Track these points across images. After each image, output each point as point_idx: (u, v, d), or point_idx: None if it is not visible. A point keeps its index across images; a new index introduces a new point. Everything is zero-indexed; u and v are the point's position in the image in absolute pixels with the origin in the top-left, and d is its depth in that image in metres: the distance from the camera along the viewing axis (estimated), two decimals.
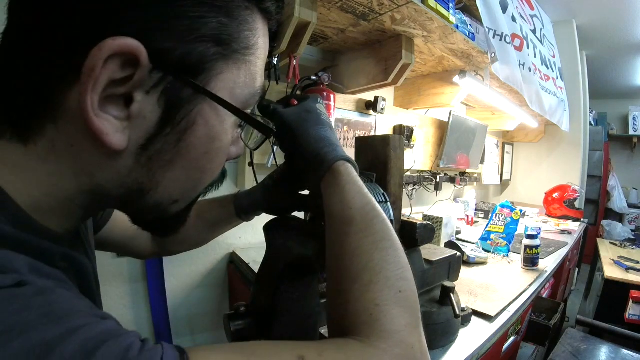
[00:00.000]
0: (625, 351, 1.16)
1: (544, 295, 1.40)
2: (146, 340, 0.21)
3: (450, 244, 1.13)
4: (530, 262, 1.20)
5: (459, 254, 0.80)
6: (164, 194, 0.28)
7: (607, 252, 2.12)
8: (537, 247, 1.20)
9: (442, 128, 1.98)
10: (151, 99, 0.24)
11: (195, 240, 0.64)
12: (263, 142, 0.37)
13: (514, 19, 1.71)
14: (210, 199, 0.65)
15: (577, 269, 2.50)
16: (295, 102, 0.46)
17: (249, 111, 0.30)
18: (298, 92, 1.18)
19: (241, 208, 0.60)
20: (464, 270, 1.05)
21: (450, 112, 1.88)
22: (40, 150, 0.24)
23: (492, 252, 1.36)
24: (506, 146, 2.96)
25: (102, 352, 0.18)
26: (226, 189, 1.20)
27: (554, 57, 2.38)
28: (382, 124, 1.59)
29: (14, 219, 0.23)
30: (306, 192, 0.58)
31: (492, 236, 1.41)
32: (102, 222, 0.52)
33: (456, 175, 2.26)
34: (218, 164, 0.30)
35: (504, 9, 1.59)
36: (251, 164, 1.07)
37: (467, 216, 1.98)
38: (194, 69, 0.24)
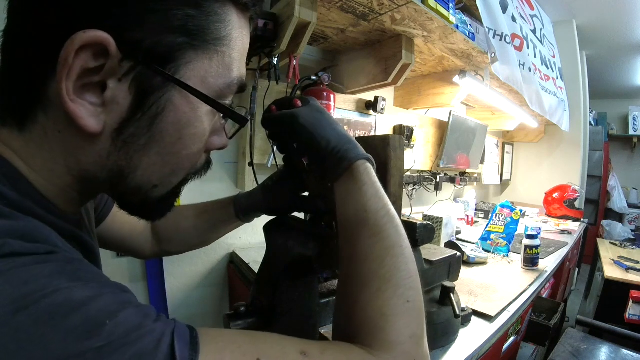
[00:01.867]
0: (625, 351, 1.16)
1: (544, 295, 1.40)
2: (161, 315, 0.23)
3: (450, 244, 1.12)
4: (530, 262, 1.20)
5: (459, 254, 0.80)
6: (143, 178, 0.29)
7: (607, 252, 2.12)
8: (537, 247, 1.20)
9: (442, 128, 1.98)
10: (123, 86, 0.26)
11: (195, 242, 0.65)
12: (237, 132, 0.37)
13: (514, 19, 1.71)
14: (211, 200, 0.65)
15: (577, 269, 2.50)
16: (300, 104, 0.45)
17: (228, 101, 0.32)
18: (298, 92, 1.18)
19: (241, 209, 0.60)
20: (464, 270, 1.05)
21: (450, 112, 1.88)
22: (36, 137, 0.26)
23: (492, 252, 1.36)
24: (506, 146, 2.96)
25: (124, 314, 0.21)
26: (226, 189, 1.20)
27: (554, 57, 2.38)
28: (382, 124, 1.59)
29: (32, 198, 0.26)
30: (305, 193, 0.58)
31: (492, 236, 1.41)
32: (101, 216, 0.53)
33: (456, 175, 2.25)
34: (194, 150, 0.31)
35: (504, 9, 1.59)
36: (251, 164, 1.07)
37: (467, 216, 1.98)
38: (163, 58, 0.26)
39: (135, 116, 0.26)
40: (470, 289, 0.97)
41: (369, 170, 0.39)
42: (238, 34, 0.30)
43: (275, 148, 1.10)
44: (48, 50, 0.24)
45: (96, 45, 0.23)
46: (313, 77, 1.15)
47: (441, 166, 1.94)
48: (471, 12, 1.40)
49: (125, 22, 0.24)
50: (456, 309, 0.65)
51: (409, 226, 0.62)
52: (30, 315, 0.18)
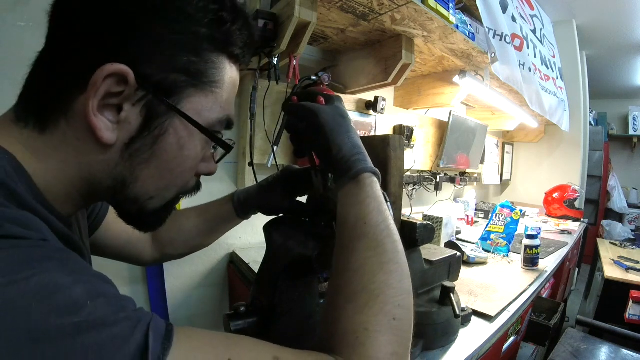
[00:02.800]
0: (625, 351, 1.16)
1: (544, 295, 1.40)
2: (141, 307, 0.26)
3: (450, 244, 1.13)
4: (530, 262, 1.20)
5: (459, 254, 0.80)
6: (142, 188, 0.34)
7: (607, 252, 2.12)
8: (537, 247, 1.20)
9: (442, 128, 1.98)
10: (135, 110, 0.31)
11: (197, 242, 0.65)
12: (222, 157, 0.41)
13: (514, 19, 1.71)
14: (210, 201, 0.66)
15: (577, 269, 2.51)
16: (323, 101, 0.45)
17: (221, 135, 0.38)
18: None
19: (239, 204, 0.62)
20: (464, 270, 1.05)
21: (450, 112, 1.88)
22: (56, 140, 0.31)
23: (492, 252, 1.36)
24: (506, 146, 2.96)
25: (105, 299, 0.23)
26: (226, 189, 1.20)
27: (554, 57, 2.38)
28: (382, 124, 1.59)
29: (32, 195, 0.29)
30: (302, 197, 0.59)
31: (492, 236, 1.41)
32: (94, 225, 0.54)
33: (456, 175, 2.25)
34: (186, 169, 0.36)
35: (504, 9, 1.59)
36: (251, 164, 1.07)
37: (467, 216, 1.98)
38: (168, 91, 0.32)
39: (142, 134, 0.32)
40: (470, 289, 0.97)
41: (374, 184, 0.40)
42: (229, 79, 0.36)
43: (275, 148, 1.10)
44: (79, 74, 0.30)
45: (119, 75, 0.29)
46: (313, 77, 1.15)
47: (441, 166, 1.94)
48: (471, 12, 1.40)
49: (141, 60, 0.30)
50: (456, 309, 0.65)
51: (409, 226, 0.62)
52: (19, 290, 0.20)
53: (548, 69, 2.19)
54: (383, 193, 0.54)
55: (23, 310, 0.20)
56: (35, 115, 0.31)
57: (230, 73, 0.36)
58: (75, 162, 0.32)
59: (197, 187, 0.41)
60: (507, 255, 1.35)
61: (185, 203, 1.16)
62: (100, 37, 0.30)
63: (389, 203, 0.54)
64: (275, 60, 0.97)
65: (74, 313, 0.21)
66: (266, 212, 0.60)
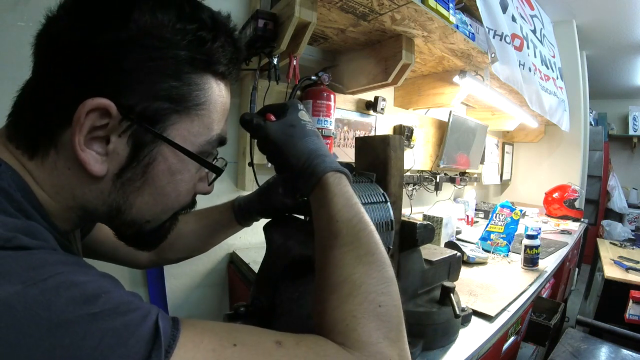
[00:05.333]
0: (625, 351, 1.16)
1: (544, 295, 1.40)
2: (148, 302, 0.27)
3: (450, 244, 1.12)
4: (530, 262, 1.20)
5: (459, 254, 0.80)
6: (138, 214, 0.35)
7: (607, 252, 2.12)
8: (537, 247, 1.20)
9: (442, 128, 1.98)
10: (123, 140, 0.32)
11: (195, 247, 0.65)
12: (214, 179, 0.41)
13: (514, 19, 1.71)
14: (210, 206, 0.66)
15: (577, 269, 2.50)
16: (273, 118, 0.46)
17: (214, 154, 0.40)
18: (298, 93, 1.18)
19: (240, 212, 0.62)
20: (464, 270, 1.05)
21: (450, 112, 1.88)
22: (47, 167, 0.32)
23: (492, 252, 1.36)
24: (506, 146, 2.96)
25: (117, 292, 0.25)
26: (226, 189, 1.20)
27: (554, 57, 2.38)
28: (382, 124, 1.59)
29: (35, 209, 0.30)
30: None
31: (492, 236, 1.41)
32: (88, 227, 0.54)
33: (456, 175, 2.25)
34: (181, 193, 0.37)
35: (504, 9, 1.59)
36: (251, 164, 1.07)
37: (467, 216, 1.98)
38: (152, 119, 0.32)
39: (132, 164, 0.32)
40: (470, 289, 0.97)
41: (339, 181, 0.40)
42: (217, 98, 0.36)
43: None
44: (63, 109, 0.30)
45: (101, 108, 0.29)
46: (313, 77, 1.15)
47: (441, 166, 1.94)
48: (471, 12, 1.40)
49: (122, 91, 0.30)
50: (456, 309, 0.65)
51: (409, 226, 0.62)
52: (38, 288, 0.21)
53: (548, 69, 2.19)
54: (382, 193, 0.55)
55: (44, 304, 0.21)
56: (24, 143, 0.32)
57: (217, 91, 0.36)
58: (68, 189, 0.32)
59: (193, 204, 0.42)
60: (507, 255, 1.35)
61: None
62: (80, 72, 0.30)
63: (388, 203, 0.54)
64: (275, 60, 0.97)
65: (91, 303, 0.22)
66: (268, 216, 0.60)
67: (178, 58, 0.32)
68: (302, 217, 0.57)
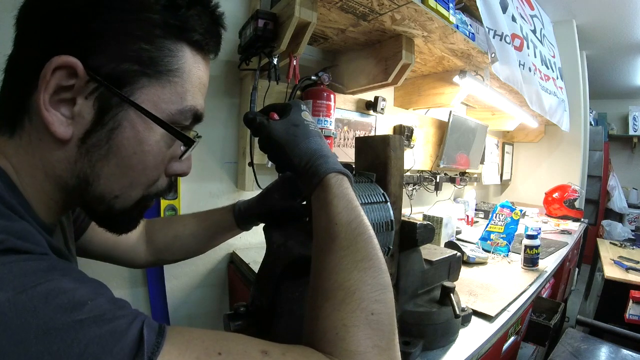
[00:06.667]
0: (625, 351, 1.16)
1: (544, 295, 1.40)
2: (136, 309, 0.27)
3: (450, 244, 1.12)
4: (530, 262, 1.20)
5: (459, 254, 0.80)
6: (105, 187, 0.34)
7: (607, 252, 2.12)
8: (537, 247, 1.20)
9: (442, 128, 1.98)
10: (88, 103, 0.31)
11: (194, 249, 0.65)
12: (186, 152, 0.38)
13: (514, 19, 1.71)
14: (210, 209, 0.66)
15: (577, 269, 2.50)
16: (276, 116, 0.46)
17: (187, 124, 0.36)
18: (298, 92, 1.18)
19: (240, 215, 0.62)
20: (464, 270, 1.05)
21: (450, 112, 1.88)
22: (24, 143, 0.31)
23: (492, 252, 1.36)
24: (506, 146, 2.96)
25: (103, 298, 0.25)
26: (226, 189, 1.20)
27: (554, 57, 2.38)
28: (382, 124, 1.59)
29: (22, 206, 0.30)
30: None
31: (492, 236, 1.41)
32: (83, 227, 0.54)
33: (456, 175, 2.25)
34: (148, 166, 0.35)
35: (504, 9, 1.59)
36: (251, 164, 1.07)
37: (467, 216, 1.98)
38: (120, 81, 0.31)
39: (96, 128, 0.31)
40: (470, 289, 0.97)
41: (341, 183, 0.40)
42: (192, 68, 0.35)
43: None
44: (34, 70, 0.30)
45: (68, 67, 0.29)
46: (313, 77, 1.15)
47: (441, 166, 1.94)
48: (471, 12, 1.40)
49: (91, 51, 0.30)
50: (456, 309, 0.65)
51: (409, 226, 0.62)
52: (28, 295, 0.22)
53: (548, 69, 2.19)
54: (382, 193, 0.54)
55: (32, 311, 0.21)
56: (5, 119, 0.32)
57: (192, 62, 0.35)
58: (40, 164, 0.32)
59: (169, 189, 0.40)
60: (507, 255, 1.35)
61: (186, 205, 1.16)
62: (49, 33, 0.30)
63: (388, 203, 0.54)
64: (275, 60, 0.97)
65: (77, 310, 0.23)
66: (268, 220, 0.60)
67: (150, 21, 0.31)
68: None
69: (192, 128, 0.39)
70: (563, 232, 2.01)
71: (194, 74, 0.35)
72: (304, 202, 0.58)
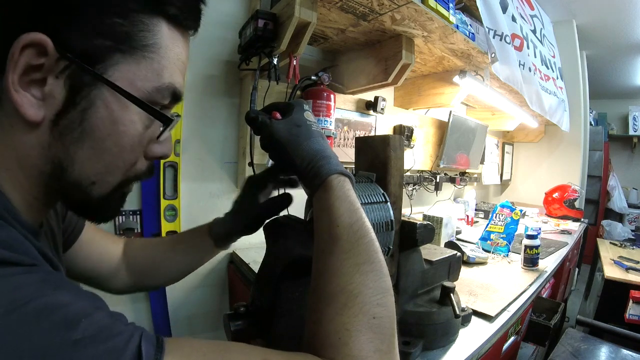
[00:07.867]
0: (625, 351, 1.16)
1: (544, 295, 1.39)
2: (132, 322, 0.26)
3: (450, 244, 1.12)
4: (530, 262, 1.20)
5: (459, 254, 0.80)
6: (81, 172, 0.32)
7: (607, 252, 2.12)
8: (537, 247, 1.20)
9: (442, 128, 1.98)
10: (59, 82, 0.29)
11: (174, 274, 0.63)
12: (163, 132, 0.36)
13: (514, 19, 1.71)
14: (186, 230, 0.64)
15: (577, 269, 2.50)
16: (278, 116, 0.45)
17: (165, 103, 0.34)
18: (298, 93, 1.18)
19: (218, 236, 0.59)
20: (464, 270, 1.05)
21: (450, 112, 1.88)
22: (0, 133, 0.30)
23: (492, 252, 1.36)
24: (506, 146, 2.96)
25: (98, 315, 0.24)
26: (226, 189, 1.20)
27: (554, 57, 2.38)
28: (382, 124, 1.59)
29: (7, 210, 0.29)
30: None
31: (492, 236, 1.41)
32: (71, 239, 0.52)
33: (456, 175, 2.25)
34: (124, 148, 0.33)
35: (504, 9, 1.59)
36: (251, 163, 1.07)
37: (467, 216, 1.98)
38: (92, 58, 0.29)
39: (68, 109, 0.30)
40: (470, 289, 0.97)
41: (343, 184, 0.39)
42: (169, 44, 0.33)
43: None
44: (3, 50, 0.28)
45: (37, 45, 0.28)
46: (313, 77, 1.15)
47: (441, 166, 1.94)
48: (471, 12, 1.40)
49: (61, 27, 0.28)
50: (456, 309, 0.65)
51: (409, 226, 0.62)
52: (19, 316, 0.21)
53: (548, 69, 2.19)
54: (382, 193, 0.54)
55: (24, 334, 0.21)
56: None
57: (169, 37, 0.33)
58: (14, 153, 0.30)
59: (149, 172, 0.38)
60: (507, 255, 1.35)
61: (186, 205, 1.15)
62: (18, 10, 0.28)
63: (388, 203, 0.54)
64: (275, 60, 0.97)
65: (72, 329, 0.22)
66: (249, 231, 0.57)
67: None
68: (300, 217, 0.57)
69: (172, 108, 0.37)
70: (563, 232, 2.01)
71: (171, 50, 0.33)
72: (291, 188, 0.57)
